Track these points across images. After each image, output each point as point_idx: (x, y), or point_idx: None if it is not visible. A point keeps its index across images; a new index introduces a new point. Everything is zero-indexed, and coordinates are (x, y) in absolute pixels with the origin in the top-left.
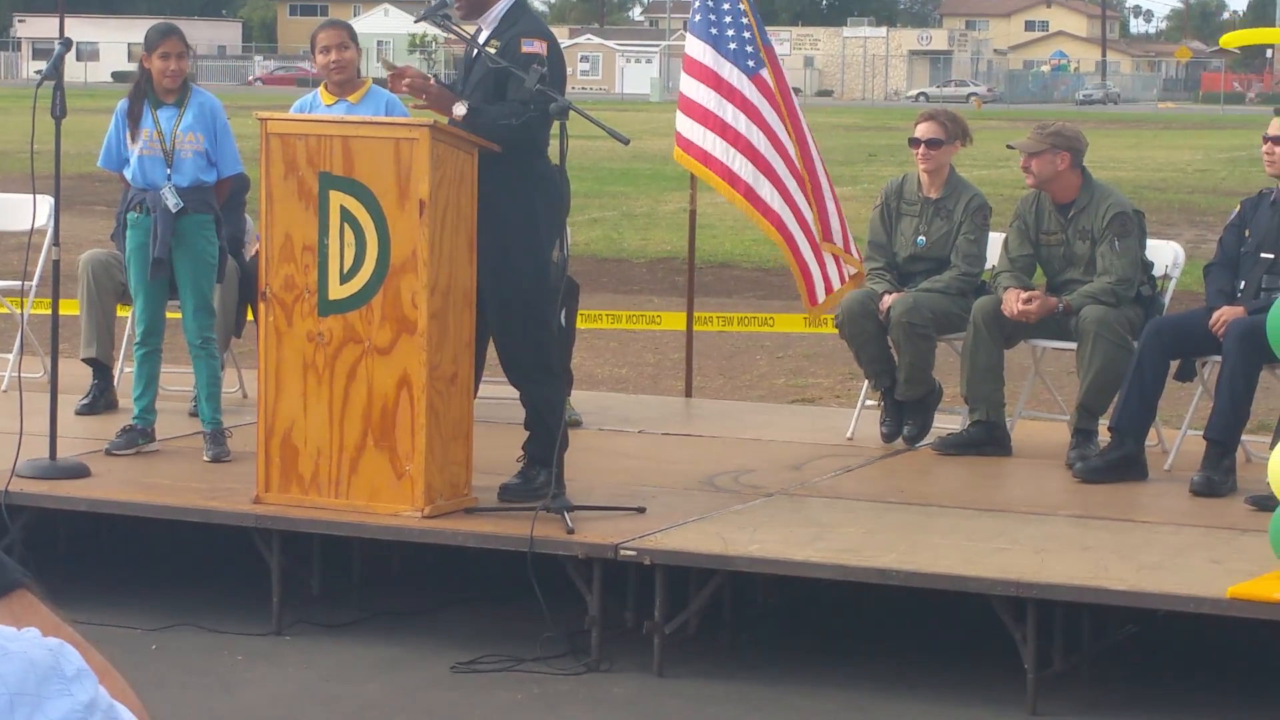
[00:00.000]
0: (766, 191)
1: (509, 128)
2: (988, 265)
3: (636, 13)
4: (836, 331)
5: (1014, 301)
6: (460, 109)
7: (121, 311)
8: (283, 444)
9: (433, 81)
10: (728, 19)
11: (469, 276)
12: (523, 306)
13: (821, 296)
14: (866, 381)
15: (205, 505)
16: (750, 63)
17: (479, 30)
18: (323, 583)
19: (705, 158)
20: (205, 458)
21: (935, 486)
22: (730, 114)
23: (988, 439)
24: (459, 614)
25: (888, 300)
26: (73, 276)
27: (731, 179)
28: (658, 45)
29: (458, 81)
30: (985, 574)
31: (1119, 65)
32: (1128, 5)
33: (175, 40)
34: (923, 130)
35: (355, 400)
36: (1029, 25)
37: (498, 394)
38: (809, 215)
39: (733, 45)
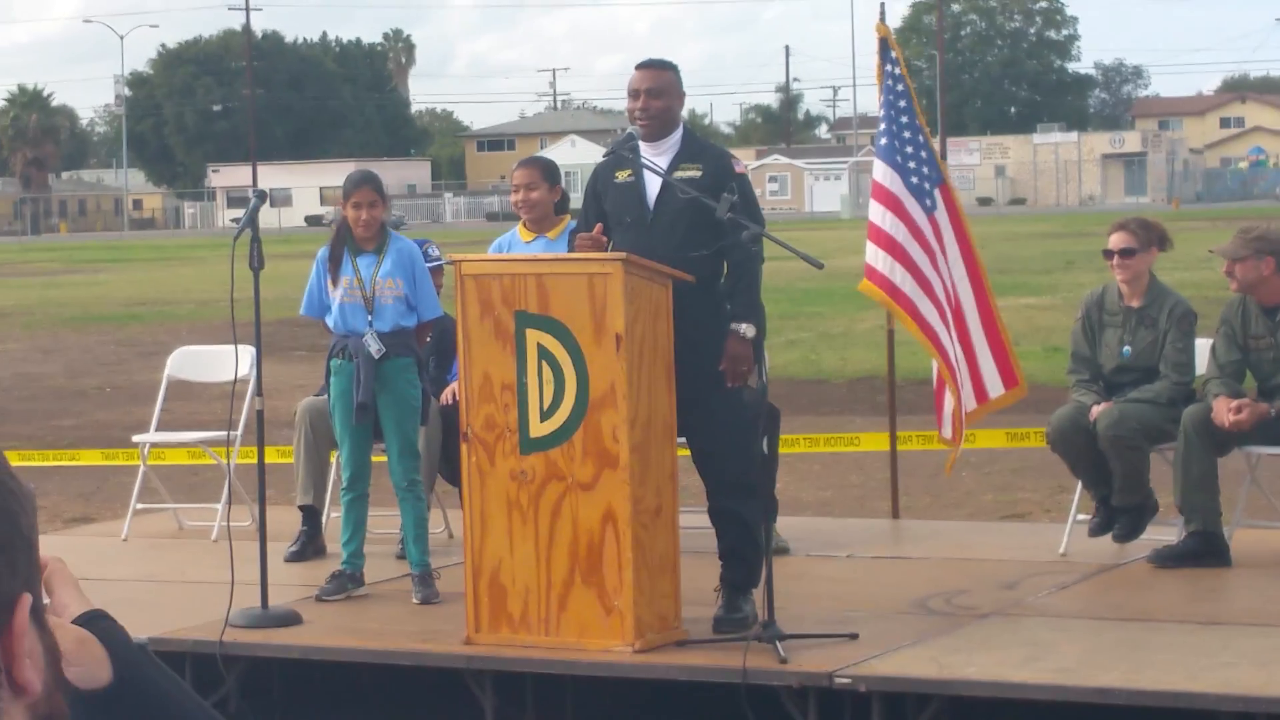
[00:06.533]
0: (931, 316)
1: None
2: (1197, 371)
3: (823, 130)
4: (1047, 445)
5: (1224, 412)
6: (750, 331)
7: (334, 458)
8: (491, 583)
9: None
10: (909, 149)
11: (668, 408)
12: (735, 425)
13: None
14: (1077, 495)
15: (416, 648)
16: (928, 201)
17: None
18: None
19: (893, 290)
20: (414, 600)
21: (1153, 601)
22: (902, 235)
23: (1205, 550)
24: None
25: (1095, 411)
26: (278, 423)
27: (911, 310)
28: (846, 162)
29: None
30: (1210, 689)
31: None
32: None
33: (367, 190)
34: (1115, 241)
35: (561, 537)
36: (1224, 122)
37: (694, 524)
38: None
39: (914, 179)
